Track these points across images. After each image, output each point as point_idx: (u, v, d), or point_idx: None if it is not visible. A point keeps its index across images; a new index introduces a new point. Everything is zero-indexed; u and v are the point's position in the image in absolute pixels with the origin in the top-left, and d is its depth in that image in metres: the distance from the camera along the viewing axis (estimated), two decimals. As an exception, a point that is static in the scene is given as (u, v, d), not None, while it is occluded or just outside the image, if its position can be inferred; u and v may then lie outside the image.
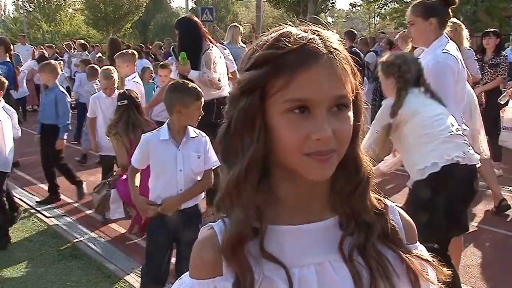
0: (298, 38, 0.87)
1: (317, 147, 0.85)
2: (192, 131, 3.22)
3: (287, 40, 0.87)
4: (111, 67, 5.80)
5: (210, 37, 5.03)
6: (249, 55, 0.92)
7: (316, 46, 0.87)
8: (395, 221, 1.00)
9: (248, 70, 0.90)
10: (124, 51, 6.45)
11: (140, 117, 4.64)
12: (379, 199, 0.99)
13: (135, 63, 6.16)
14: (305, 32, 0.89)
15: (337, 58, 0.88)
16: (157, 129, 3.28)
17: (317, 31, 0.91)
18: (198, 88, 3.25)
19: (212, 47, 4.93)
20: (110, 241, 4.99)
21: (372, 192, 0.98)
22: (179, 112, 3.11)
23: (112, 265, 4.42)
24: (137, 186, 3.31)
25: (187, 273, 0.97)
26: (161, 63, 6.70)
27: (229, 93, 0.96)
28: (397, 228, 0.99)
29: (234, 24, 8.01)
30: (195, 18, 5.10)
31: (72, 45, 16.36)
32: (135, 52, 6.50)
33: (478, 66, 6.19)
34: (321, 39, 0.89)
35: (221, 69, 4.97)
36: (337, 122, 0.86)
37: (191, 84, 3.24)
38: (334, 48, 0.88)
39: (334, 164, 0.89)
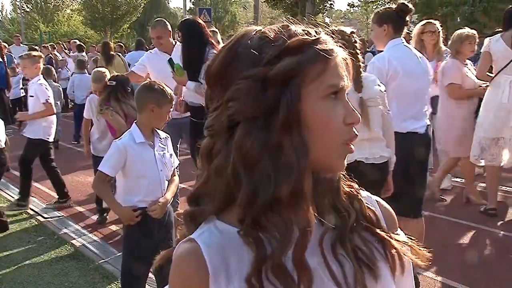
0: (319, 30, 0.90)
1: (351, 133, 0.88)
2: (161, 132, 3.25)
3: (309, 29, 0.89)
4: (102, 69, 5.79)
5: (214, 42, 4.89)
6: (259, 46, 0.86)
7: (332, 39, 0.90)
8: (374, 209, 0.99)
9: (276, 58, 0.84)
10: (29, 52, 6.55)
11: (127, 95, 4.75)
12: (350, 185, 0.98)
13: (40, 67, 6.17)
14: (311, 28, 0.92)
15: (345, 51, 0.91)
16: (125, 134, 3.20)
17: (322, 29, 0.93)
18: (172, 93, 3.24)
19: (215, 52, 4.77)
20: (108, 242, 4.98)
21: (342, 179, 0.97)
22: (152, 111, 3.10)
23: (110, 266, 4.41)
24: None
25: None
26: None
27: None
28: (375, 211, 0.98)
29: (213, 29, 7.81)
30: (200, 21, 4.95)
31: (63, 46, 16.36)
32: (42, 55, 6.60)
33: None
34: (328, 34, 0.92)
35: None
36: None
37: (165, 86, 3.21)
38: (342, 43, 0.92)
39: None
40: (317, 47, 0.86)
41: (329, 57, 0.86)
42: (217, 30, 7.50)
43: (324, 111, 0.85)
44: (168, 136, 3.33)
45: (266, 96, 0.83)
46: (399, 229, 1.02)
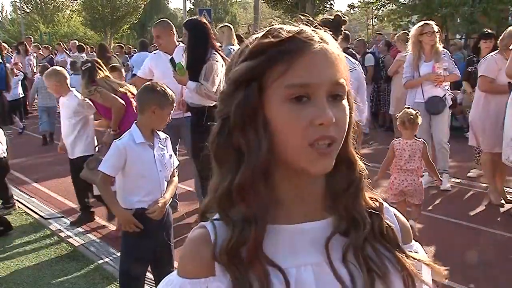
0: (290, 29, 0.89)
1: (321, 132, 0.85)
2: (160, 132, 3.25)
3: (281, 30, 0.88)
4: (57, 67, 5.81)
5: (216, 44, 4.90)
6: (241, 50, 0.92)
7: (310, 34, 0.88)
8: (391, 221, 0.99)
9: (243, 62, 0.89)
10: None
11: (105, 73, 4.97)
12: (374, 198, 0.98)
13: None
14: (295, 26, 0.91)
15: (330, 44, 0.89)
16: (125, 134, 3.20)
17: (307, 25, 0.92)
18: (173, 95, 3.25)
19: (216, 55, 4.74)
20: (108, 242, 4.97)
21: (366, 191, 0.97)
22: (153, 113, 3.11)
23: (109, 266, 4.41)
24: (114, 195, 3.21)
25: (175, 272, 0.94)
26: (111, 65, 6.60)
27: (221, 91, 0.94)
28: (393, 227, 0.97)
29: (226, 24, 7.82)
30: (205, 21, 4.93)
31: (65, 47, 16.49)
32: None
33: (456, 66, 6.36)
34: (311, 30, 0.90)
35: (220, 80, 4.73)
36: (335, 110, 0.86)
37: (167, 88, 3.22)
38: (326, 37, 0.90)
39: (335, 156, 0.88)
40: (279, 48, 0.86)
41: (295, 56, 0.85)
42: (231, 26, 7.55)
43: (285, 114, 0.85)
44: (168, 136, 3.33)
45: (233, 98, 0.88)
46: (417, 243, 1.03)
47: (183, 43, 5.05)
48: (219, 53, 4.80)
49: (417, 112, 4.64)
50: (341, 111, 0.88)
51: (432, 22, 5.93)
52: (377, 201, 0.98)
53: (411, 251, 0.98)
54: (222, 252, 0.87)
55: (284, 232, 0.91)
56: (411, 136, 4.58)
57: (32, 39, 19.43)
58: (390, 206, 1.02)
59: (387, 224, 0.96)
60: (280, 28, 0.89)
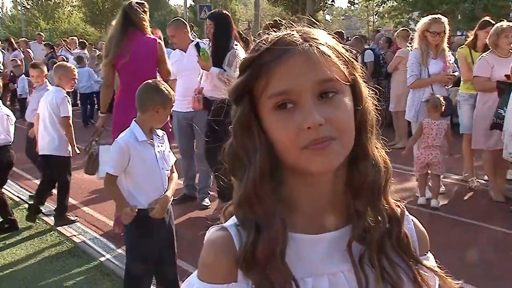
0: (275, 37, 0.90)
1: (312, 136, 0.84)
2: (158, 130, 3.26)
3: (264, 42, 0.90)
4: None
5: (237, 35, 5.21)
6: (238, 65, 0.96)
7: (289, 37, 0.88)
8: (409, 231, 0.97)
9: (237, 78, 0.93)
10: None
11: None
12: (398, 205, 0.97)
13: None
14: (285, 30, 0.91)
15: (313, 44, 0.87)
16: (125, 132, 3.19)
17: (299, 29, 0.91)
18: (174, 94, 3.28)
19: (238, 45, 5.03)
20: (109, 239, 4.97)
21: (390, 194, 0.96)
22: (157, 112, 3.11)
23: (110, 263, 4.41)
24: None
25: (195, 273, 0.93)
26: (32, 62, 6.58)
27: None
28: (410, 238, 0.96)
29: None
30: (227, 13, 5.34)
31: (67, 43, 16.61)
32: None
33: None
34: (298, 32, 0.90)
35: None
36: (329, 109, 0.85)
37: (168, 86, 3.24)
38: (312, 38, 0.89)
39: (336, 153, 0.86)
40: (259, 61, 0.88)
41: (272, 65, 0.87)
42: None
43: (274, 123, 0.88)
44: (165, 133, 3.33)
45: (234, 112, 0.93)
46: (431, 255, 1.02)
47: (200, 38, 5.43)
48: (239, 44, 5.10)
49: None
50: (335, 109, 0.86)
51: (444, 19, 5.60)
52: (399, 207, 0.97)
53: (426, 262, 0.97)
54: (241, 259, 0.87)
55: (303, 242, 0.90)
56: (438, 117, 5.35)
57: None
58: (409, 214, 1.01)
59: (406, 234, 0.95)
60: (265, 39, 0.90)
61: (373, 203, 0.92)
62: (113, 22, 4.79)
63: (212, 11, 5.72)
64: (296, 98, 0.85)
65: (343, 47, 0.92)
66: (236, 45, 5.01)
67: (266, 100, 0.88)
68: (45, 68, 6.28)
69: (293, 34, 0.89)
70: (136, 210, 3.05)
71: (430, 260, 1.00)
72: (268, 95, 0.87)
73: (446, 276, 0.97)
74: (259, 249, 0.86)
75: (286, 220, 0.88)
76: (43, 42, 16.98)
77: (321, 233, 0.91)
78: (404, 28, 10.59)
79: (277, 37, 0.89)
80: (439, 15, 5.76)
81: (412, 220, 1.01)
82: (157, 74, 4.88)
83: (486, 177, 6.22)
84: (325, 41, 0.89)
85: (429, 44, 5.57)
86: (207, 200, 5.67)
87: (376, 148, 0.94)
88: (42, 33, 20.36)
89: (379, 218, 0.92)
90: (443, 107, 5.32)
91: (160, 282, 3.31)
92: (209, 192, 5.75)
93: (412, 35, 6.33)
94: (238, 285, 0.88)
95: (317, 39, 0.89)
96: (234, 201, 0.93)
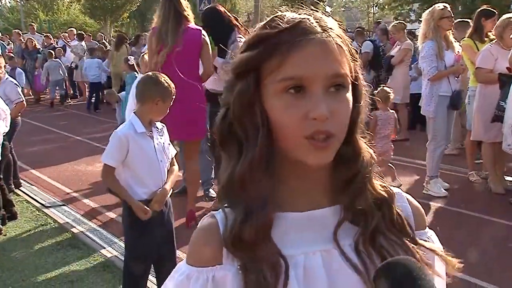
0: (292, 18, 0.88)
1: (316, 127, 0.83)
2: (157, 122, 3.24)
3: (281, 20, 0.87)
4: None
5: (238, 25, 5.26)
6: (245, 40, 0.92)
7: (309, 24, 0.86)
8: (403, 208, 0.97)
9: (242, 53, 0.90)
10: None
11: None
12: (384, 187, 0.97)
13: None
14: (299, 14, 0.89)
15: (331, 35, 0.86)
16: (124, 124, 3.19)
17: (312, 13, 0.90)
18: (174, 87, 3.25)
19: (242, 37, 5.02)
20: (109, 230, 4.98)
21: (376, 179, 0.96)
22: (156, 104, 3.11)
23: (110, 254, 4.42)
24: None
25: (184, 260, 0.95)
26: None
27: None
28: (404, 216, 0.96)
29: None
30: (220, 8, 5.40)
31: (66, 35, 16.78)
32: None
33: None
34: (315, 18, 0.88)
35: None
36: (334, 103, 0.85)
37: (168, 79, 3.22)
38: (329, 27, 0.88)
39: (334, 149, 0.87)
40: (275, 40, 0.85)
41: (291, 48, 0.84)
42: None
43: (280, 106, 0.85)
44: (164, 125, 3.32)
45: (233, 88, 0.90)
46: (431, 230, 1.02)
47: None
48: (243, 35, 5.13)
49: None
50: (339, 103, 0.86)
51: (447, 5, 5.63)
52: (388, 189, 0.97)
53: (423, 239, 0.97)
54: (227, 239, 0.88)
55: (291, 220, 0.91)
56: (386, 108, 5.71)
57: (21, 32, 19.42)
58: (403, 192, 1.01)
59: (399, 213, 0.95)
60: (281, 17, 0.88)
61: (361, 194, 0.93)
62: (158, 12, 4.71)
63: (203, 10, 5.66)
64: (308, 85, 0.84)
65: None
66: (240, 37, 5.01)
67: (274, 82, 0.85)
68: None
69: (310, 21, 0.87)
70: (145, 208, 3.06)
71: (430, 237, 1.00)
72: (279, 77, 0.84)
73: (446, 254, 0.96)
74: (247, 229, 0.86)
75: (275, 198, 0.89)
76: (36, 33, 17.08)
77: (309, 210, 0.92)
78: (400, 21, 10.52)
79: (295, 19, 0.87)
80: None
81: (407, 198, 1.01)
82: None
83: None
84: (340, 33, 0.89)
85: (442, 35, 5.45)
86: (212, 191, 5.67)
87: (360, 140, 0.95)
88: (33, 24, 20.34)
89: (368, 207, 0.92)
90: (390, 99, 5.69)
91: (160, 278, 3.32)
92: (213, 183, 5.75)
93: (411, 29, 6.30)
94: (223, 267, 0.89)
95: (333, 29, 0.88)
96: (223, 180, 0.92)
